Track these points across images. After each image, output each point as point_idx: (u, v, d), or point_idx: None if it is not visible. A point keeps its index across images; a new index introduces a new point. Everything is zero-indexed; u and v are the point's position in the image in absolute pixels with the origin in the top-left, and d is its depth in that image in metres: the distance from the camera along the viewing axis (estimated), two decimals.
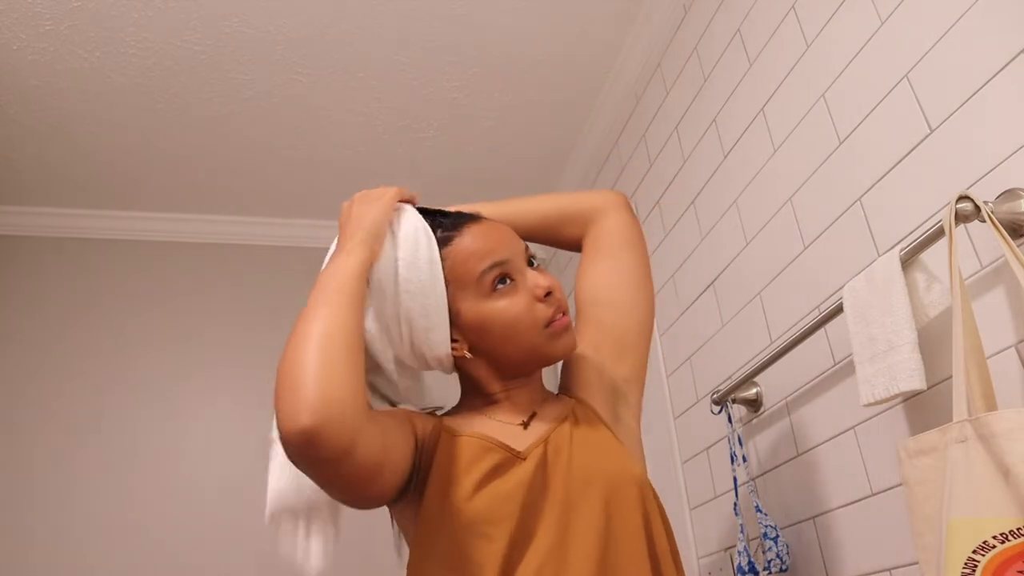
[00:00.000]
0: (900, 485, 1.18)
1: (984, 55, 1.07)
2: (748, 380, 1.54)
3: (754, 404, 1.61)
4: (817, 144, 1.44)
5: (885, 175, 1.25)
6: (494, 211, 1.03)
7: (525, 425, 0.95)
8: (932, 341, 1.11)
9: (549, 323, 0.92)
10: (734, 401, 1.62)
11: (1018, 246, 0.96)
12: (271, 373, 2.64)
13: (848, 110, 1.35)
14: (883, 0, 1.27)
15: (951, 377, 1.00)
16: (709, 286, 1.84)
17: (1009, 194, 0.99)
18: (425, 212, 0.98)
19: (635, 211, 2.27)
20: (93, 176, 2.50)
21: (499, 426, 0.94)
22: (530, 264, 0.96)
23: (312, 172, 2.59)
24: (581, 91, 2.36)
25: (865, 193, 1.30)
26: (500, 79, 2.26)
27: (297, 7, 1.95)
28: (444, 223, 0.95)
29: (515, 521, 0.82)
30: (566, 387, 1.05)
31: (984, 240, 1.05)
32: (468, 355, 0.93)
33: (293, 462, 0.74)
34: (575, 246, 1.12)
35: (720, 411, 1.62)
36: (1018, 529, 0.83)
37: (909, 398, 1.18)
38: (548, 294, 0.92)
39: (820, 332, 1.38)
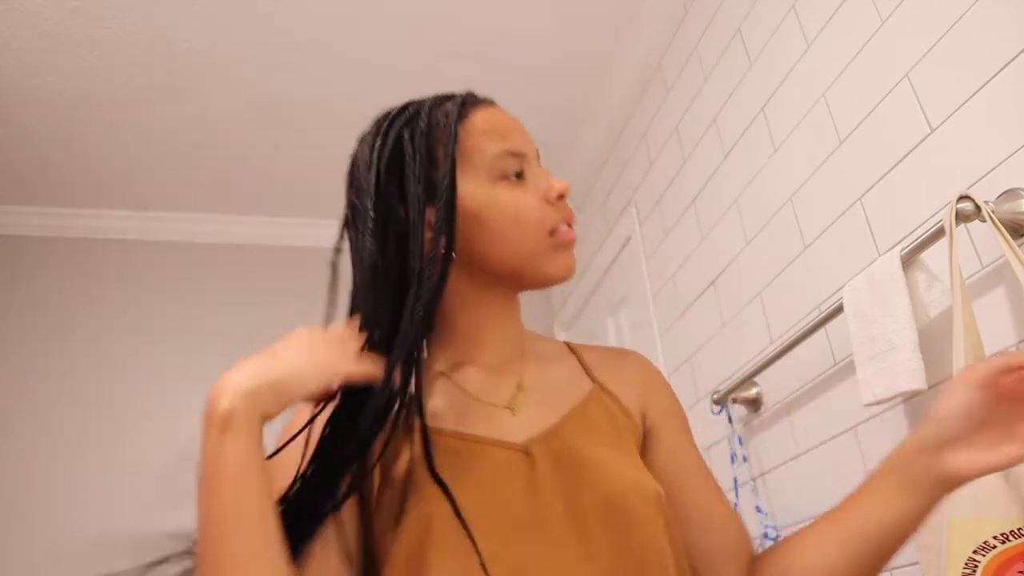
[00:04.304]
0: None
1: (984, 55, 1.07)
2: (748, 380, 1.54)
3: (754, 404, 1.61)
4: (817, 144, 1.44)
5: (885, 175, 1.25)
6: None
7: (512, 409, 0.76)
8: (932, 341, 1.11)
9: (554, 231, 0.76)
10: (734, 401, 1.62)
11: (1019, 246, 0.96)
12: None
13: (848, 110, 1.35)
14: (883, 0, 1.27)
15: (951, 377, 1.00)
16: (709, 286, 1.84)
17: (1009, 194, 0.99)
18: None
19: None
20: (93, 176, 2.50)
21: (479, 407, 0.75)
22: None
23: (313, 172, 2.59)
24: (581, 91, 2.36)
25: (865, 193, 1.30)
26: (500, 79, 2.25)
27: (297, 8, 1.95)
28: (454, 97, 0.79)
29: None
30: (590, 371, 0.83)
31: (985, 240, 1.05)
32: (444, 252, 0.72)
33: None
34: None
35: (720, 411, 1.62)
36: (1019, 529, 0.83)
37: (909, 398, 1.18)
38: (560, 197, 0.78)
39: (820, 332, 1.38)
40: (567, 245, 0.78)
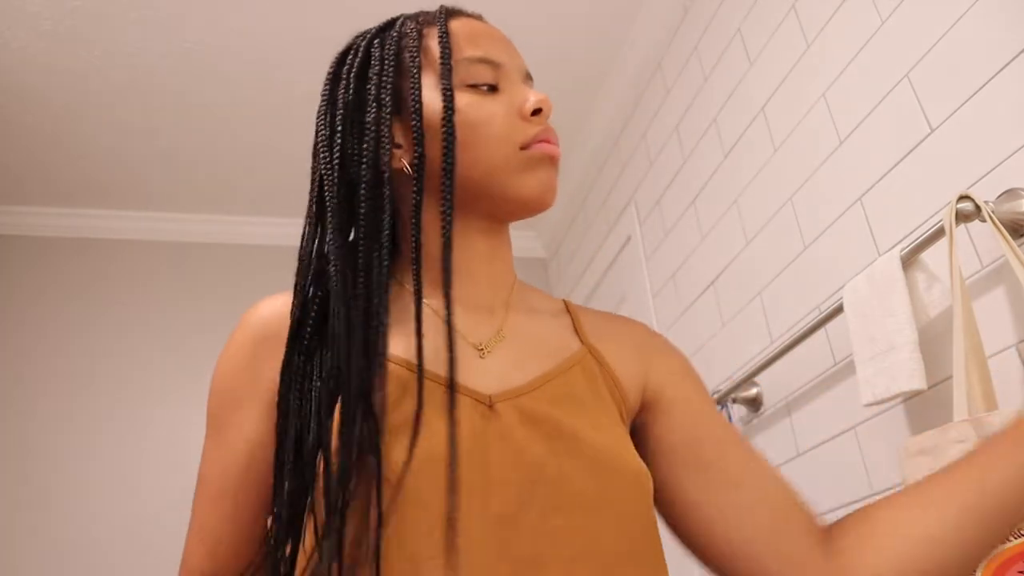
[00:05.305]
0: (900, 485, 1.18)
1: (984, 55, 1.07)
2: (748, 380, 1.54)
3: (754, 404, 1.61)
4: (817, 144, 1.44)
5: (885, 175, 1.25)
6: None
7: (482, 351, 0.67)
8: (932, 341, 1.11)
9: (527, 145, 0.66)
10: (734, 401, 1.62)
11: (1019, 246, 0.96)
12: None
13: (848, 110, 1.35)
14: (883, 0, 1.27)
15: (951, 377, 1.00)
16: (709, 286, 1.84)
17: (1010, 194, 0.99)
18: None
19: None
20: (93, 176, 2.50)
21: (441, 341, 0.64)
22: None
23: None
24: (581, 91, 2.36)
25: (865, 193, 1.30)
26: None
27: (296, 8, 1.95)
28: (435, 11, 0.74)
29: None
30: (585, 334, 0.73)
31: (985, 240, 1.05)
32: (408, 168, 0.66)
33: None
34: None
35: (720, 411, 1.62)
36: (1019, 529, 0.83)
37: (909, 398, 1.18)
38: (537, 112, 0.68)
39: (820, 332, 1.38)
40: (543, 160, 0.67)
